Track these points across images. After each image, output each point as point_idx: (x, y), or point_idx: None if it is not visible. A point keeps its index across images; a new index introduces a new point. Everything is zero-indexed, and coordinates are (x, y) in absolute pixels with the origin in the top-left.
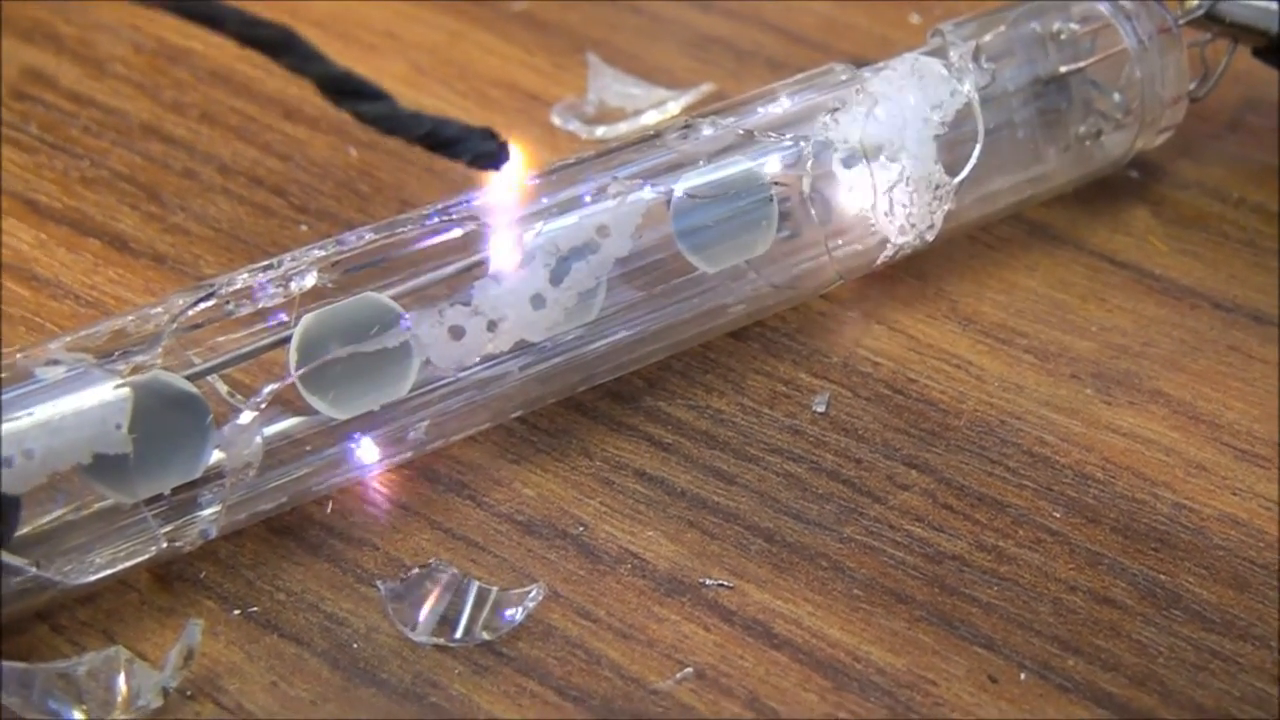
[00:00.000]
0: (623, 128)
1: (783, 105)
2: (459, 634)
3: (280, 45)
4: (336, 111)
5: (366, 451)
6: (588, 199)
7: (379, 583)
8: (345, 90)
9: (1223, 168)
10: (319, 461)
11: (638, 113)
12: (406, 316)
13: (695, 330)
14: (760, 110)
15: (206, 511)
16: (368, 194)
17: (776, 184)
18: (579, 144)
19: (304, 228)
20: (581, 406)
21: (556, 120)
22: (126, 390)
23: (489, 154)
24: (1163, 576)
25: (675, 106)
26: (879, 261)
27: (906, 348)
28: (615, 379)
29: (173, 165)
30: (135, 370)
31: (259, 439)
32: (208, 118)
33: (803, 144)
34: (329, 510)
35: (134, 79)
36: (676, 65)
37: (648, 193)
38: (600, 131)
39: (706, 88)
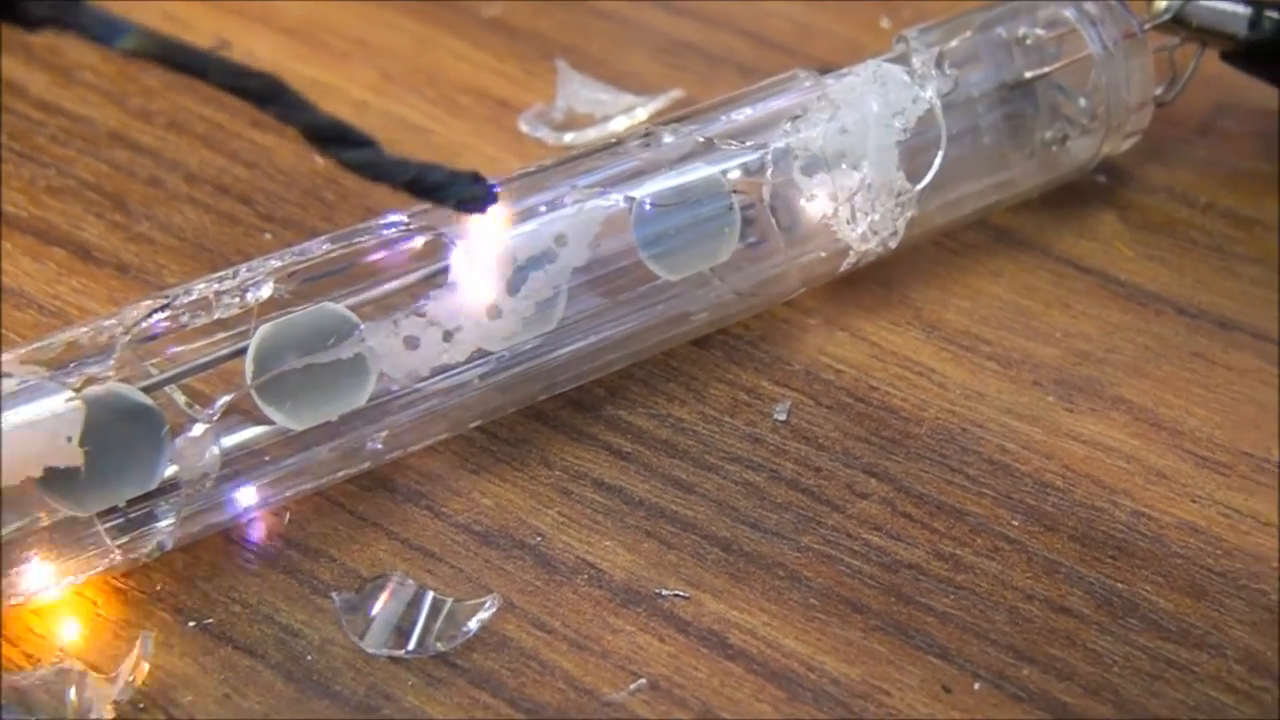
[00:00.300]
0: (591, 134)
1: (745, 112)
2: (413, 645)
3: (267, 95)
4: None
5: (322, 463)
6: (545, 208)
7: (333, 594)
8: (331, 138)
9: (1192, 172)
10: (277, 472)
11: (606, 119)
12: (362, 327)
13: (658, 338)
14: (723, 118)
15: (163, 523)
16: (333, 202)
17: (737, 192)
18: (547, 151)
19: (268, 236)
20: (542, 415)
21: (524, 127)
22: (78, 403)
23: (475, 198)
24: (1120, 585)
25: (644, 113)
26: (842, 269)
27: (869, 355)
28: (577, 387)
29: (139, 173)
30: (88, 382)
31: (217, 450)
32: (175, 125)
33: (763, 151)
34: (287, 521)
35: (102, 87)
36: (647, 71)
37: (606, 201)
38: (569, 138)
39: (675, 93)
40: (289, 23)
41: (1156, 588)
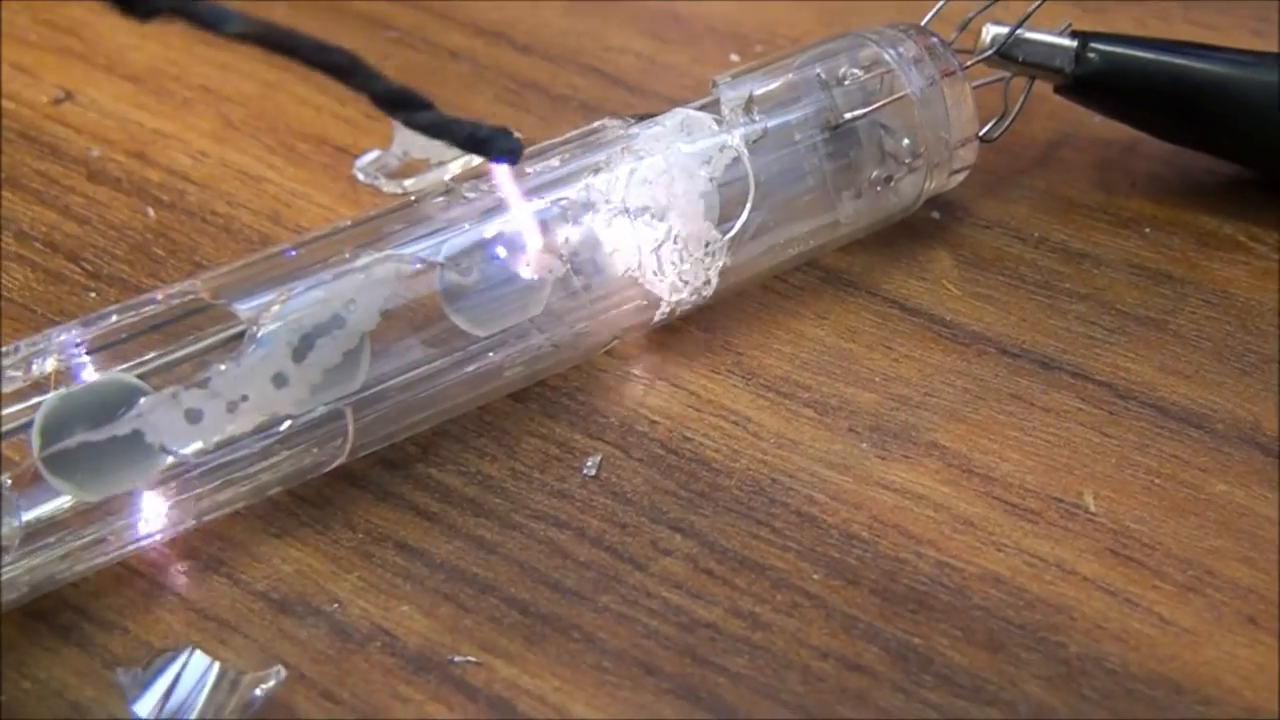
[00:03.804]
0: (429, 179)
1: (553, 165)
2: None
3: (347, 68)
4: (140, 169)
5: (123, 531)
6: (335, 272)
7: (118, 670)
8: (399, 103)
9: (1028, 206)
10: (74, 543)
11: (442, 164)
12: (143, 400)
13: (469, 394)
14: (530, 171)
15: None
16: (161, 258)
17: (546, 249)
18: (380, 198)
19: (93, 295)
20: (350, 475)
21: (359, 175)
22: None
23: (510, 150)
24: (916, 640)
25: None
26: (656, 319)
27: (687, 405)
28: (388, 445)
29: None
30: None
31: (17, 523)
32: (11, 181)
33: (562, 206)
34: (83, 592)
35: None
36: (491, 112)
37: (397, 263)
38: (409, 184)
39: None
40: (134, 70)
41: (954, 642)
